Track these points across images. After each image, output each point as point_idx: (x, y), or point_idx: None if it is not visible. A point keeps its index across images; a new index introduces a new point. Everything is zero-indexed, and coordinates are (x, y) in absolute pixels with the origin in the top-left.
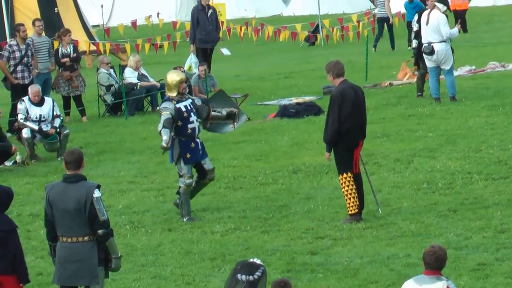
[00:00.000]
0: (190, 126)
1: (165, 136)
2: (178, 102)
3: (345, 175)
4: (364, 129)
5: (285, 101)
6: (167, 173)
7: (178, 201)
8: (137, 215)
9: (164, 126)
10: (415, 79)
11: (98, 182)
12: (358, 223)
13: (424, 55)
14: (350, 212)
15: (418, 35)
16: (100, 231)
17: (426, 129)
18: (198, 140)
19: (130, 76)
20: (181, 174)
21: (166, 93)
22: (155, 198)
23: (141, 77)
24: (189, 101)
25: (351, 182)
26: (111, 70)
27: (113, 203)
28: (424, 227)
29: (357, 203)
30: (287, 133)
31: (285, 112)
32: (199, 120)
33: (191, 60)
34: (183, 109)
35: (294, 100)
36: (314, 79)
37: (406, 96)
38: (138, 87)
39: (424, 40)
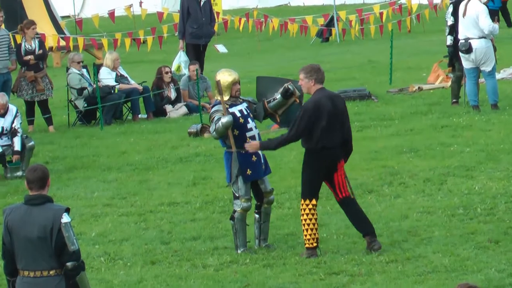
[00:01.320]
0: (248, 134)
1: (222, 119)
2: (231, 106)
3: (307, 201)
4: (349, 146)
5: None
6: (149, 194)
7: (233, 229)
8: (114, 245)
9: (216, 124)
10: (449, 83)
11: (67, 205)
12: (381, 255)
13: (460, 53)
14: (306, 245)
15: (453, 30)
16: (69, 264)
17: (462, 143)
18: (260, 152)
19: (107, 77)
20: (237, 195)
21: (215, 97)
22: (136, 225)
23: (119, 78)
24: (244, 105)
25: (312, 212)
26: (84, 70)
27: (85, 230)
28: (460, 261)
29: (316, 235)
30: (295, 147)
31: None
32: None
33: (180, 59)
34: (238, 114)
35: None
36: (328, 81)
37: (439, 103)
38: (116, 91)
39: (461, 35)
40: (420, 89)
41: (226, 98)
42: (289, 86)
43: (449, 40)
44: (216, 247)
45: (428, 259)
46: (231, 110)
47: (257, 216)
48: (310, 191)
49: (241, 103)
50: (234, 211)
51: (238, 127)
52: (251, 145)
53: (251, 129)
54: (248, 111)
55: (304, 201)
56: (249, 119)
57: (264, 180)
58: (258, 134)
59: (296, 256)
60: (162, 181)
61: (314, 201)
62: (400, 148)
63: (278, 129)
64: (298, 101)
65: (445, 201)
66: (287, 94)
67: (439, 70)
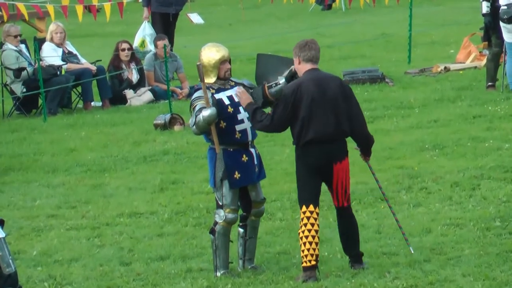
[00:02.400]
0: (239, 127)
1: (204, 111)
2: (218, 91)
3: (303, 207)
4: (361, 139)
5: None
6: (105, 202)
7: (213, 246)
8: (61, 266)
9: (196, 116)
10: (483, 62)
11: (0, 217)
12: (397, 279)
13: (501, 23)
14: (303, 264)
15: None
16: None
17: (500, 137)
18: (253, 150)
19: (51, 55)
20: (221, 204)
21: (200, 79)
22: (88, 241)
23: (67, 56)
24: (236, 89)
25: (311, 221)
26: (22, 46)
27: (24, 247)
28: (497, 285)
29: (316, 252)
30: (289, 143)
31: None
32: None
33: (145, 32)
34: (227, 101)
35: None
36: (331, 60)
37: (470, 87)
38: (62, 72)
39: (503, 0)
40: (446, 69)
41: (212, 80)
42: (295, 70)
43: (485, 7)
44: (189, 268)
45: (457, 283)
46: (218, 96)
47: (241, 230)
48: (304, 195)
49: (231, 87)
50: (215, 223)
51: (226, 117)
52: (242, 92)
53: (242, 121)
54: None
55: (301, 207)
56: (241, 108)
57: (256, 186)
58: (251, 128)
59: (290, 280)
60: (121, 186)
61: (312, 208)
62: (422, 144)
63: None
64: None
65: (477, 210)
66: (293, 78)
67: (471, 45)
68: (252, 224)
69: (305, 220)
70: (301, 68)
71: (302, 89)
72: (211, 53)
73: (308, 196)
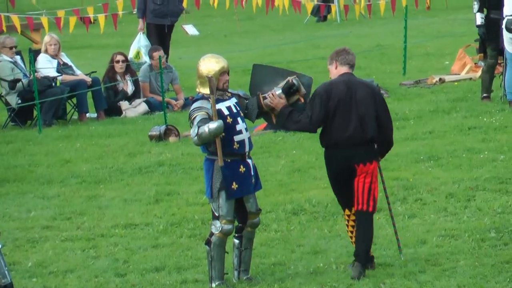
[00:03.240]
0: (237, 138)
1: (209, 125)
2: (217, 101)
3: (343, 211)
4: (385, 146)
5: None
6: (100, 213)
7: (208, 257)
8: (56, 278)
9: (199, 127)
10: (478, 73)
11: None
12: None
13: (505, 34)
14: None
15: (483, 5)
16: None
17: (495, 149)
18: (250, 161)
19: (46, 66)
20: (217, 214)
21: (197, 90)
22: (83, 252)
23: (62, 68)
24: (233, 100)
25: (350, 223)
26: (18, 58)
27: (19, 259)
28: None
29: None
30: (283, 154)
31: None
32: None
33: (140, 43)
34: (226, 111)
35: None
36: (325, 72)
37: (465, 98)
38: (57, 83)
39: (509, 10)
40: (441, 81)
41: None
42: (294, 81)
43: (479, 18)
44: (184, 280)
45: None
46: (217, 106)
47: (237, 241)
48: (337, 200)
49: (229, 98)
50: (211, 234)
51: (225, 128)
52: (274, 95)
53: (240, 132)
54: (238, 109)
55: (344, 211)
56: (239, 119)
57: (252, 197)
58: (249, 138)
59: None
60: (117, 198)
61: (347, 211)
62: (417, 156)
63: (262, 132)
64: (302, 100)
65: (472, 222)
66: (290, 90)
67: (466, 57)
68: (247, 235)
69: (345, 222)
70: (337, 72)
71: (333, 89)
72: (210, 64)
73: (338, 201)
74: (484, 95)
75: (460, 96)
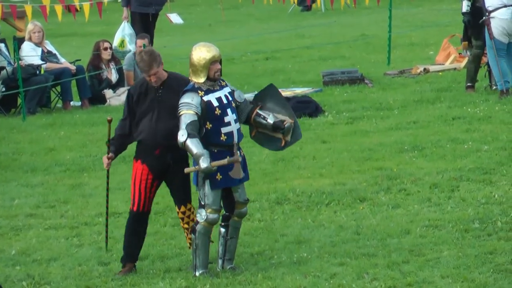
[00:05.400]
0: (224, 130)
1: (198, 149)
2: (207, 92)
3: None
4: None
5: None
6: (84, 202)
7: (193, 245)
8: (39, 266)
9: (189, 135)
10: (463, 63)
11: None
12: (375, 280)
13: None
14: None
15: None
16: None
17: (479, 139)
18: (238, 152)
19: (30, 54)
20: (203, 203)
21: (190, 77)
22: (67, 240)
23: (47, 56)
24: (226, 90)
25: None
26: (2, 45)
27: (2, 247)
28: (475, 287)
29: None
30: None
31: None
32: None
33: (124, 32)
34: (215, 103)
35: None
36: (309, 61)
37: (449, 89)
38: (42, 71)
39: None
40: (426, 71)
41: (202, 80)
42: (288, 125)
43: (465, 6)
44: (168, 269)
45: (435, 285)
46: (206, 97)
47: (223, 230)
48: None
49: (221, 88)
50: (197, 223)
51: (212, 119)
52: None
53: (228, 124)
54: (230, 99)
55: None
56: (229, 110)
57: (240, 187)
58: (238, 130)
59: (268, 280)
60: (100, 186)
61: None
62: (401, 146)
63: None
64: (283, 144)
65: (456, 212)
66: (279, 128)
67: (450, 47)
68: (234, 225)
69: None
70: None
71: None
72: (201, 53)
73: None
74: (468, 84)
75: (444, 86)
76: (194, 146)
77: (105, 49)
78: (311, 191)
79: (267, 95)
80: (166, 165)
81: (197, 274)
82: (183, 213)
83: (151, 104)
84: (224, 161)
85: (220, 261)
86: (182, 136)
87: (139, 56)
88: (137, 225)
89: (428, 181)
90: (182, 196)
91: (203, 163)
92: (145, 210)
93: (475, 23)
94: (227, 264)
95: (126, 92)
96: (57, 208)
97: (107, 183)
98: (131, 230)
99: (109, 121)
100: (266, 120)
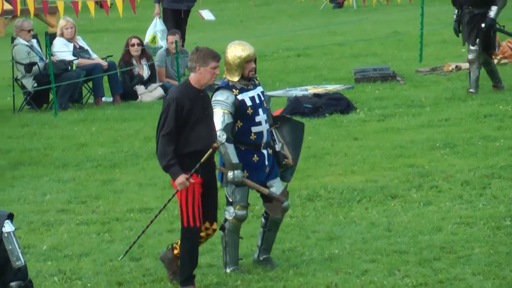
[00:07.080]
0: (255, 129)
1: (235, 159)
2: (241, 91)
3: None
4: None
5: (297, 92)
6: (116, 197)
7: (222, 242)
8: (71, 261)
9: (227, 139)
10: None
11: (10, 211)
12: (407, 277)
13: None
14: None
15: None
16: (13, 284)
17: (511, 136)
18: (265, 151)
19: (62, 50)
20: (231, 200)
21: (224, 75)
22: (98, 236)
23: (78, 51)
24: (259, 89)
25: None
26: (34, 41)
27: (34, 242)
28: (507, 284)
29: None
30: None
31: (297, 107)
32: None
33: (156, 28)
34: (248, 102)
35: (311, 90)
36: (341, 58)
37: (481, 86)
38: (74, 67)
39: None
40: (458, 68)
41: (236, 79)
42: (284, 163)
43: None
44: (199, 265)
45: (466, 282)
46: (240, 96)
47: (263, 221)
48: None
49: (254, 86)
50: (225, 220)
51: (244, 117)
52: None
53: (259, 123)
54: (263, 99)
55: None
56: (260, 110)
57: (274, 182)
58: (267, 130)
59: (299, 277)
60: (132, 182)
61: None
62: (433, 143)
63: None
64: (266, 192)
65: (488, 209)
66: (277, 158)
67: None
68: (273, 218)
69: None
70: None
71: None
72: (236, 52)
73: None
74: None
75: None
76: (232, 153)
77: (132, 45)
78: (342, 188)
79: (292, 125)
80: (214, 176)
81: (227, 270)
82: (206, 229)
83: (203, 112)
84: (264, 190)
85: (257, 251)
86: (221, 136)
87: (203, 48)
88: (195, 240)
89: (459, 178)
90: (214, 212)
91: (237, 175)
92: (200, 224)
93: (471, 29)
94: (262, 254)
95: (157, 88)
96: (89, 203)
97: (169, 200)
98: (192, 246)
99: (215, 149)
100: (273, 144)
